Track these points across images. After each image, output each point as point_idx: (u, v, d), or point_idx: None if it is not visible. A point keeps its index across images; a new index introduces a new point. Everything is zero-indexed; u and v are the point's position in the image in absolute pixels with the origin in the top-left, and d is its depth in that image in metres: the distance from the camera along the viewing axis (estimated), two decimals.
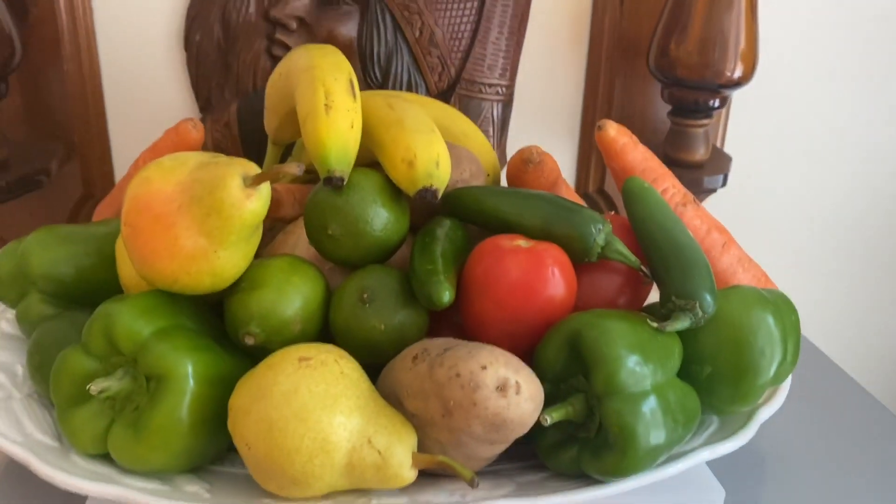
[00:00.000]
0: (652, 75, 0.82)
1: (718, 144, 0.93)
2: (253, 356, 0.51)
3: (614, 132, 0.62)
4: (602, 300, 0.54)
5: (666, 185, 0.62)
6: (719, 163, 0.86)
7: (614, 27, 0.86)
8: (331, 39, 0.80)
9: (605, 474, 0.47)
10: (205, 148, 0.75)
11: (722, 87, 0.80)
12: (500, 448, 0.47)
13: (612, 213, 0.76)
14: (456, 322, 0.55)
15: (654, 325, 0.49)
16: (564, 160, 0.92)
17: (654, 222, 0.54)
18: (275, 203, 0.61)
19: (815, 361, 0.72)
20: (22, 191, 0.76)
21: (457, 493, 0.47)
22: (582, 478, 0.49)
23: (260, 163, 0.57)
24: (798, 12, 0.91)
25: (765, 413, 0.54)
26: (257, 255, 0.53)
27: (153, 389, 0.47)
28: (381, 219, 0.53)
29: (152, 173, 0.48)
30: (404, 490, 0.47)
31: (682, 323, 0.49)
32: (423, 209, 0.59)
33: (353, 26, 0.81)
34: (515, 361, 0.45)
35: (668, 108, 0.84)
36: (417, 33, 0.81)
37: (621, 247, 0.53)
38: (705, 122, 0.83)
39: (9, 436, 0.50)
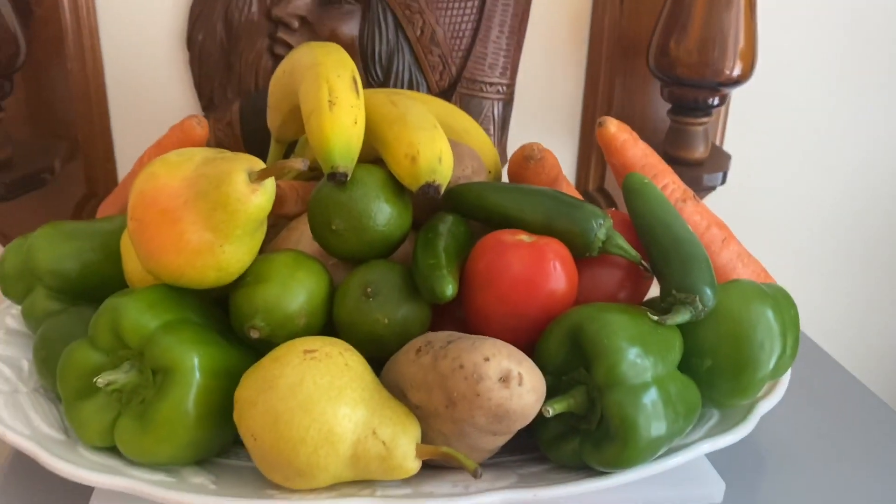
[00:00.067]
0: (652, 74, 0.83)
1: (718, 143, 0.94)
2: (257, 350, 0.51)
3: (615, 129, 0.63)
4: (603, 294, 0.55)
5: (666, 182, 0.63)
6: (719, 161, 0.87)
7: (614, 26, 0.86)
8: (332, 38, 0.80)
9: (607, 465, 0.48)
10: (208, 146, 0.76)
11: (721, 86, 0.80)
12: (503, 439, 0.48)
13: (613, 208, 0.76)
14: (458, 316, 0.56)
15: (655, 318, 0.50)
16: (564, 159, 0.93)
17: (655, 217, 0.54)
18: (278, 200, 0.61)
19: (814, 357, 0.73)
20: (25, 189, 0.77)
21: (460, 485, 0.48)
22: (583, 469, 0.50)
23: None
24: (797, 11, 0.92)
25: (764, 406, 0.55)
26: (261, 252, 0.53)
27: (160, 382, 0.48)
28: (384, 214, 0.54)
29: (158, 169, 0.48)
30: (408, 481, 0.48)
31: (683, 316, 0.50)
32: (425, 205, 0.59)
33: (354, 25, 0.81)
34: (518, 353, 0.46)
35: (668, 106, 0.85)
36: (419, 32, 0.82)
37: (622, 241, 0.54)
38: (705, 120, 0.83)
39: (16, 429, 0.50)
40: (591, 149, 0.92)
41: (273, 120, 0.67)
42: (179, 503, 0.45)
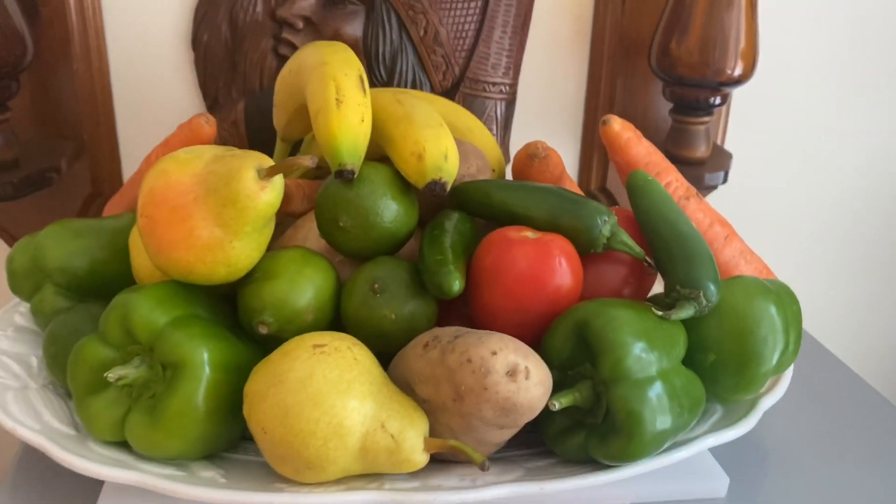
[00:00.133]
0: (653, 73, 0.84)
1: (719, 142, 0.94)
2: (265, 345, 0.52)
3: (619, 127, 0.63)
4: (607, 290, 0.55)
5: (669, 179, 0.63)
6: (720, 160, 0.87)
7: (616, 26, 0.87)
8: (336, 39, 0.81)
9: (612, 459, 0.48)
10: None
11: (722, 85, 0.81)
12: (510, 433, 0.48)
13: (616, 206, 0.77)
14: (464, 312, 0.56)
15: (660, 313, 0.50)
16: (567, 158, 0.94)
17: (658, 214, 0.55)
18: (285, 198, 0.61)
19: (815, 354, 0.73)
20: (32, 188, 0.77)
21: (467, 478, 0.48)
22: (589, 463, 0.50)
23: None
24: (798, 11, 0.92)
25: (767, 402, 0.55)
26: (268, 249, 0.54)
27: (170, 377, 0.48)
28: (391, 211, 0.54)
29: (169, 166, 0.49)
30: (416, 475, 0.48)
31: (687, 311, 0.50)
32: (431, 202, 0.60)
33: (358, 26, 0.82)
34: (524, 348, 0.46)
35: (670, 105, 0.85)
36: (422, 32, 0.82)
37: (626, 238, 0.54)
38: (706, 119, 0.84)
39: (27, 424, 0.51)
40: (593, 148, 0.92)
41: (279, 119, 0.68)
42: (190, 496, 0.46)
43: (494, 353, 0.45)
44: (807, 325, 0.73)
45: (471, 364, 0.45)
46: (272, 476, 0.49)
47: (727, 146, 0.95)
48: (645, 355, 0.48)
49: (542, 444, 0.52)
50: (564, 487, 0.48)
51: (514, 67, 0.85)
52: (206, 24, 0.82)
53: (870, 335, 1.13)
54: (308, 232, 0.61)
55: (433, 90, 0.84)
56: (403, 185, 0.56)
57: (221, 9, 0.81)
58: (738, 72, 0.80)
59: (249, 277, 0.52)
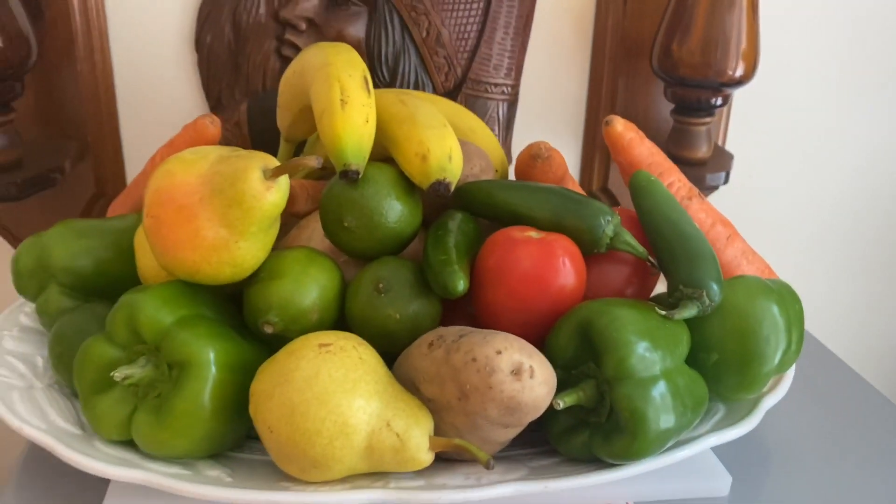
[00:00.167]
0: (655, 74, 0.84)
1: (720, 143, 0.94)
2: (270, 345, 0.52)
3: (621, 127, 0.64)
4: (611, 290, 0.55)
5: (672, 179, 0.63)
6: (721, 160, 0.87)
7: (617, 27, 0.87)
8: (339, 40, 0.81)
9: (616, 458, 0.48)
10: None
11: (724, 86, 0.81)
12: (514, 432, 0.48)
13: (619, 206, 0.77)
14: (468, 312, 0.56)
15: (663, 312, 0.50)
16: (568, 159, 0.94)
17: (661, 214, 0.55)
18: (289, 198, 0.62)
19: (817, 354, 0.73)
20: (36, 189, 0.77)
21: (472, 477, 0.49)
22: (592, 462, 0.50)
23: None
24: (799, 12, 0.93)
25: (770, 401, 0.55)
26: (272, 250, 0.54)
27: (176, 376, 0.48)
28: (395, 211, 0.55)
29: (174, 166, 0.49)
30: (421, 473, 0.49)
31: (690, 311, 0.51)
32: (435, 202, 0.60)
33: (361, 27, 0.82)
34: (529, 347, 0.47)
35: (671, 106, 0.86)
36: (424, 34, 0.82)
37: (629, 238, 0.55)
38: (707, 120, 0.84)
39: (33, 423, 0.51)
40: (595, 149, 0.93)
41: (283, 119, 0.68)
42: (196, 495, 0.46)
43: (499, 353, 0.45)
44: (807, 324, 0.73)
45: (476, 363, 0.45)
46: (278, 475, 0.49)
47: (728, 147, 0.95)
48: (648, 354, 0.48)
49: (547, 442, 0.53)
50: (568, 486, 0.48)
51: (516, 68, 0.86)
52: (209, 26, 0.82)
53: (870, 335, 1.13)
54: (312, 232, 0.61)
55: (435, 91, 0.85)
56: (407, 186, 0.56)
57: (225, 10, 0.81)
58: (739, 72, 0.80)
59: (255, 277, 0.52)
